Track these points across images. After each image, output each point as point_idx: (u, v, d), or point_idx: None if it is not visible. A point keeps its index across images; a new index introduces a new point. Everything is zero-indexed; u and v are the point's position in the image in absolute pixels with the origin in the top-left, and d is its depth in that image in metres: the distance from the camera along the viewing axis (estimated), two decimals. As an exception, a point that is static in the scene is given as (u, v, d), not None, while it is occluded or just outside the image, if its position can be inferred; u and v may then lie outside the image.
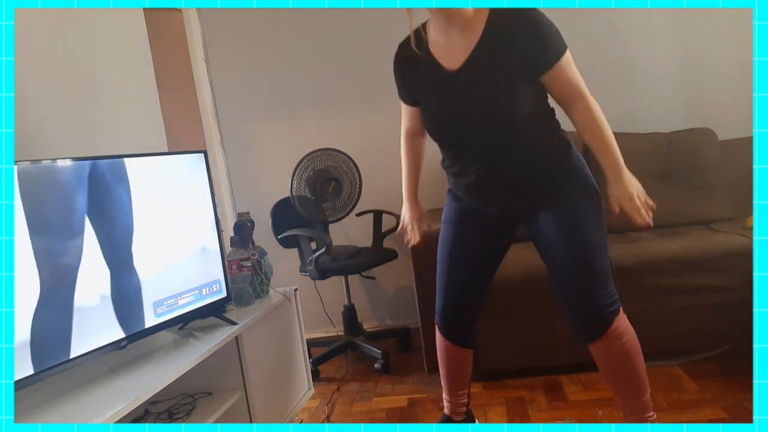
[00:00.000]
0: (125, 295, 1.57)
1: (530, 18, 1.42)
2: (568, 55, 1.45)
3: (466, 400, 1.83)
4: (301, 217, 2.70)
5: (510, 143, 1.49)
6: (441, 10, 1.43)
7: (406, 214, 1.81)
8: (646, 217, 1.45)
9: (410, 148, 1.78)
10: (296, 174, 2.67)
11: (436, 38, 1.51)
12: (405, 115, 1.73)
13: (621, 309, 1.51)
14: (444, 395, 1.84)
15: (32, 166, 1.36)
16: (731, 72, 2.93)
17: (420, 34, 1.54)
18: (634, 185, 1.48)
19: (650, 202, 1.48)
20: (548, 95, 1.52)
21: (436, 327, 1.79)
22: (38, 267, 1.33)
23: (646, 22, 2.95)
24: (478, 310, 1.75)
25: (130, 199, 1.62)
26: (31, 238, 1.32)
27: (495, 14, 1.44)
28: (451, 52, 1.47)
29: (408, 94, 1.65)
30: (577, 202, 1.52)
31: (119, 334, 1.54)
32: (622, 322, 1.51)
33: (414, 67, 1.56)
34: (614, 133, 3.14)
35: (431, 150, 1.76)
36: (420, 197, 1.84)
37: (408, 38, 1.57)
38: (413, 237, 1.79)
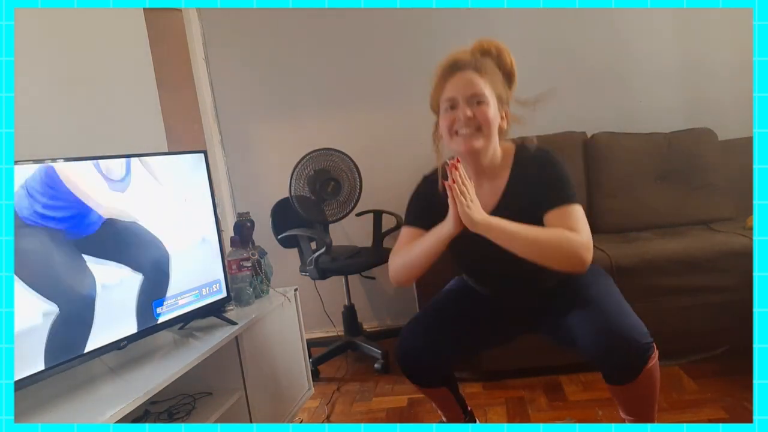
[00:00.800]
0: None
1: (552, 161, 1.46)
2: (579, 207, 1.42)
3: (462, 413, 1.79)
4: (300, 217, 2.70)
5: (535, 275, 1.49)
6: (474, 162, 1.47)
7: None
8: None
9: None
10: (295, 174, 2.67)
11: None
12: (405, 238, 1.55)
13: (654, 345, 1.39)
14: (438, 411, 1.83)
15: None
16: (731, 72, 2.94)
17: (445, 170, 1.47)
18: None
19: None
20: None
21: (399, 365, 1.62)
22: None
23: (646, 22, 2.96)
24: (447, 364, 1.65)
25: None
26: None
27: (520, 158, 1.49)
28: (481, 197, 1.44)
29: (424, 221, 1.52)
30: (587, 284, 1.52)
31: (119, 334, 1.54)
32: (655, 357, 1.39)
33: (440, 203, 1.43)
34: (614, 133, 3.15)
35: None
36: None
37: (433, 172, 1.57)
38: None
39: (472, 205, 1.35)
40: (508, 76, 1.51)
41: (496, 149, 1.50)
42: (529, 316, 1.61)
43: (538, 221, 1.42)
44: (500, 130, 1.49)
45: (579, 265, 1.36)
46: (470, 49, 1.50)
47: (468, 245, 1.41)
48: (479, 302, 1.64)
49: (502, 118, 1.48)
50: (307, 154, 2.71)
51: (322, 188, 2.71)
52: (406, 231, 1.57)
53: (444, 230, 1.40)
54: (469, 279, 1.70)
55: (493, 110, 1.44)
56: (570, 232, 1.36)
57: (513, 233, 1.36)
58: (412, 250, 1.48)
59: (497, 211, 1.47)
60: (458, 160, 1.38)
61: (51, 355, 1.34)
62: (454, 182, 1.34)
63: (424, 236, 1.47)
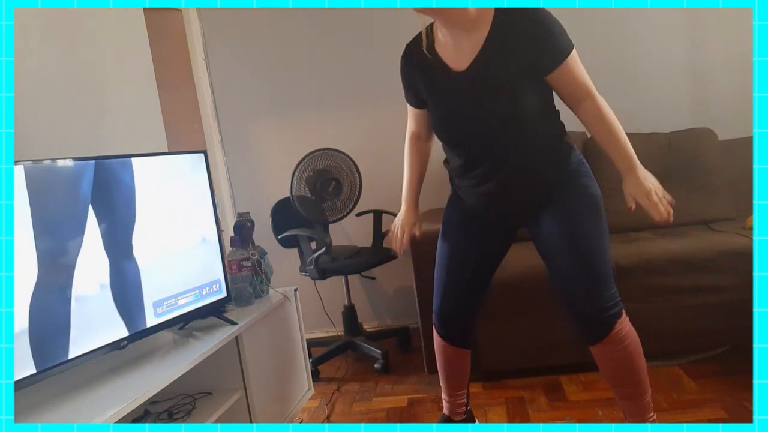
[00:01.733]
0: (125, 288, 1.57)
1: (536, 17, 1.42)
2: (574, 54, 1.44)
3: (465, 400, 1.83)
4: (301, 217, 2.70)
5: (515, 143, 1.49)
6: (442, 13, 1.42)
7: (400, 217, 1.78)
8: (665, 213, 1.44)
9: (414, 153, 1.77)
10: (296, 174, 2.67)
11: (443, 39, 1.51)
12: (411, 118, 1.73)
13: (623, 312, 1.51)
14: (443, 395, 1.84)
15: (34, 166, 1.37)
16: (731, 72, 2.93)
17: (429, 34, 1.53)
18: (650, 181, 1.47)
19: (668, 197, 1.47)
20: (554, 96, 1.52)
21: (434, 327, 1.78)
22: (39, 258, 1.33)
23: (646, 22, 2.95)
24: (475, 311, 1.74)
25: (134, 194, 1.63)
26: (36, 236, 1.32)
27: (500, 14, 1.44)
28: (457, 53, 1.47)
29: (414, 96, 1.64)
30: (578, 206, 1.52)
31: (119, 333, 1.54)
32: (625, 324, 1.50)
33: (421, 68, 1.55)
34: (614, 133, 3.08)
35: (433, 149, 1.76)
36: (420, 197, 1.81)
37: (414, 39, 1.58)
38: (398, 245, 1.75)
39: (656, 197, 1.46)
40: None
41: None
42: (518, 219, 1.63)
43: (517, 81, 1.43)
44: None
45: (613, 114, 1.49)
46: None
47: (455, 131, 1.53)
48: (471, 225, 1.66)
49: None
50: (307, 155, 2.71)
51: (323, 188, 2.71)
52: (409, 110, 1.73)
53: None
54: (458, 181, 1.66)
55: None
56: (599, 107, 1.46)
57: (627, 146, 1.49)
58: (406, 165, 1.77)
59: (476, 63, 1.45)
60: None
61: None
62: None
63: (408, 168, 1.76)
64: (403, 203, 1.79)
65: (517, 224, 1.67)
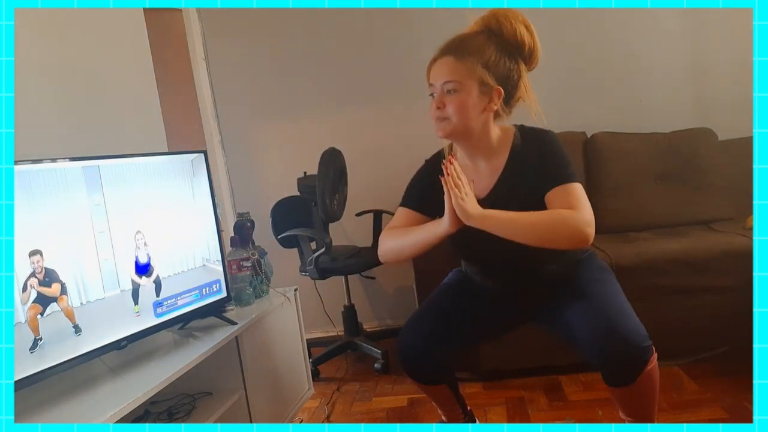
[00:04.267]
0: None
1: (551, 140, 1.45)
2: (579, 186, 1.41)
3: (461, 412, 1.79)
4: (303, 217, 2.70)
5: (534, 257, 1.48)
6: (466, 140, 1.47)
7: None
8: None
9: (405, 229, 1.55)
10: (321, 175, 2.61)
11: (463, 162, 1.52)
12: (401, 218, 1.56)
13: (654, 348, 1.38)
14: (438, 410, 1.83)
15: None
16: (731, 72, 2.94)
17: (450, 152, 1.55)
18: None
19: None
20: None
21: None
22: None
23: (646, 22, 2.96)
24: (446, 360, 1.63)
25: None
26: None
27: (519, 139, 1.48)
28: (477, 177, 1.48)
29: (421, 204, 1.55)
30: (590, 283, 1.51)
31: (119, 333, 1.54)
32: (654, 360, 1.39)
33: (441, 187, 1.41)
34: (614, 133, 3.15)
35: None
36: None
37: (435, 155, 1.59)
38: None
39: (466, 198, 1.34)
40: (515, 47, 1.45)
41: (489, 131, 1.48)
42: (531, 305, 1.61)
43: (538, 202, 1.41)
44: (495, 113, 1.47)
45: (582, 241, 1.34)
46: (472, 24, 1.49)
47: (467, 236, 1.40)
48: (478, 295, 1.63)
49: (490, 100, 1.44)
50: (328, 154, 2.66)
51: (338, 185, 2.70)
52: (401, 211, 1.57)
53: (440, 228, 1.40)
54: (469, 269, 1.68)
55: (467, 96, 1.41)
56: (568, 210, 1.35)
57: (509, 221, 1.35)
58: (406, 236, 1.48)
59: (495, 191, 1.47)
60: (453, 155, 1.39)
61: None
62: (448, 176, 1.34)
63: (419, 228, 1.47)
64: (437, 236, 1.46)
65: (522, 316, 1.65)
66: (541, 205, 1.42)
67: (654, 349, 1.39)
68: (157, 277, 1.68)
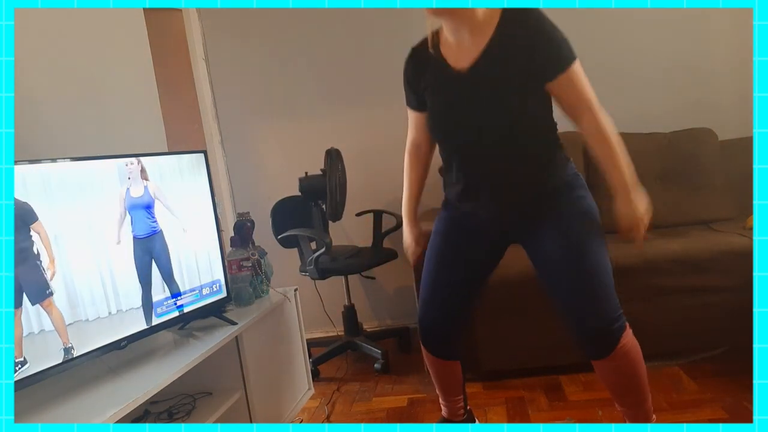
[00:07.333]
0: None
1: (542, 23, 1.42)
2: (578, 64, 1.43)
3: (462, 404, 1.82)
4: (303, 217, 2.70)
5: (512, 148, 1.48)
6: (451, 15, 1.43)
7: (406, 235, 1.78)
8: (641, 245, 1.46)
9: (414, 163, 1.74)
10: (331, 172, 2.60)
11: (447, 40, 1.51)
12: (411, 124, 1.70)
13: (627, 325, 1.47)
14: (440, 400, 1.84)
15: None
16: (731, 72, 2.94)
17: (434, 37, 1.54)
18: (641, 207, 1.46)
19: (648, 222, 1.48)
20: (554, 108, 1.51)
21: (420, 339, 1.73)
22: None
23: (646, 21, 2.96)
24: (461, 323, 1.69)
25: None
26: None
27: (506, 17, 1.44)
28: (461, 53, 1.48)
29: (415, 97, 1.62)
30: (575, 220, 1.50)
31: (119, 333, 1.54)
32: (629, 337, 1.47)
33: (423, 68, 1.55)
34: (614, 133, 3.07)
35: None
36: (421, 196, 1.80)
37: (421, 42, 1.58)
38: (414, 258, 1.79)
39: (636, 208, 1.47)
40: None
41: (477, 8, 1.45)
42: (518, 227, 1.58)
43: (532, 84, 1.43)
44: None
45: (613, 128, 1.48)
46: None
47: (462, 152, 1.51)
48: (468, 233, 1.62)
49: None
50: (334, 152, 2.65)
51: (341, 185, 2.70)
52: (409, 114, 1.70)
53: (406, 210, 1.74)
54: (455, 190, 1.62)
55: None
56: (597, 119, 1.45)
57: (624, 167, 1.49)
58: (405, 174, 1.75)
59: (478, 63, 1.45)
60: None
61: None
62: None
63: (408, 179, 1.74)
64: (404, 219, 1.78)
65: (507, 238, 1.64)
66: (534, 88, 1.43)
67: (627, 326, 1.46)
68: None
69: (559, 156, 1.55)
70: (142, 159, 1.68)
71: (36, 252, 1.33)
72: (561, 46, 1.42)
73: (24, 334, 1.29)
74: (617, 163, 1.48)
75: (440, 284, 1.65)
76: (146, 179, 1.67)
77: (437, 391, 1.83)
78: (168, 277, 1.71)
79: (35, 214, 1.34)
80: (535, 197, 1.52)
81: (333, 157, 2.62)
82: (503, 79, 1.43)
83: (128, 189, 1.62)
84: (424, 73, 1.55)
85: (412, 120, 1.69)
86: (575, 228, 1.48)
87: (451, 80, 1.48)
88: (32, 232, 1.33)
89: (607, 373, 1.52)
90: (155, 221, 1.69)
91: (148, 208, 1.67)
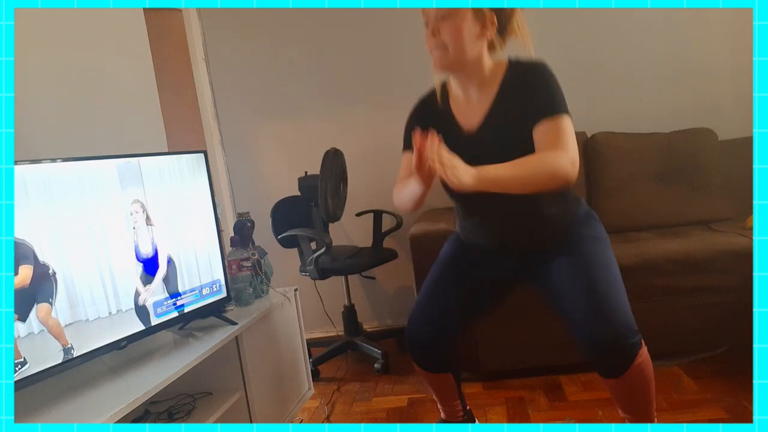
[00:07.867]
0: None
1: (542, 74, 1.43)
2: (568, 120, 1.38)
3: (460, 407, 1.80)
4: (303, 217, 2.70)
5: (520, 198, 1.43)
6: (459, 69, 1.46)
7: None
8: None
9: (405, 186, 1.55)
10: (324, 175, 2.60)
11: (456, 93, 1.54)
12: (403, 164, 1.61)
13: (642, 342, 1.41)
14: (438, 405, 1.83)
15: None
16: (731, 72, 2.94)
17: (444, 89, 1.56)
18: (465, 177, 1.27)
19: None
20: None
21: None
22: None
23: (646, 21, 2.95)
24: (449, 343, 1.66)
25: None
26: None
27: (511, 69, 1.47)
28: (469, 109, 1.50)
29: None
30: (586, 249, 1.50)
31: (119, 333, 1.54)
32: (644, 356, 1.41)
33: (430, 120, 1.52)
34: (614, 133, 3.14)
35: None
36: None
37: (429, 94, 1.60)
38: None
39: (456, 169, 1.24)
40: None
41: (483, 61, 1.46)
42: (527, 264, 1.58)
43: (527, 133, 1.40)
44: (489, 45, 1.46)
45: (563, 182, 1.33)
46: None
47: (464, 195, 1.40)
48: (475, 262, 1.63)
49: (484, 26, 1.42)
50: (330, 155, 2.65)
51: (340, 185, 2.70)
52: (403, 156, 1.61)
53: (417, 188, 1.36)
54: (466, 226, 1.64)
55: (461, 21, 1.40)
56: (553, 152, 1.33)
57: (504, 179, 1.31)
58: (404, 191, 1.48)
59: (486, 121, 1.47)
60: (423, 134, 1.26)
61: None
62: (422, 149, 1.25)
63: (410, 183, 1.43)
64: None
65: (516, 274, 1.63)
66: (529, 142, 1.40)
67: (643, 343, 1.41)
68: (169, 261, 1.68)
69: (570, 197, 1.55)
70: (144, 159, 1.68)
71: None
72: (555, 95, 1.40)
73: (24, 335, 1.29)
74: (509, 170, 1.33)
75: (432, 305, 1.62)
76: (151, 224, 1.67)
77: (434, 397, 1.83)
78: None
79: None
80: (545, 241, 1.54)
81: (328, 160, 2.61)
82: (508, 136, 1.43)
83: (136, 244, 1.61)
84: (432, 126, 1.45)
85: (405, 161, 1.59)
86: (583, 256, 1.48)
87: (461, 140, 1.48)
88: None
89: (621, 391, 1.48)
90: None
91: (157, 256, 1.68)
